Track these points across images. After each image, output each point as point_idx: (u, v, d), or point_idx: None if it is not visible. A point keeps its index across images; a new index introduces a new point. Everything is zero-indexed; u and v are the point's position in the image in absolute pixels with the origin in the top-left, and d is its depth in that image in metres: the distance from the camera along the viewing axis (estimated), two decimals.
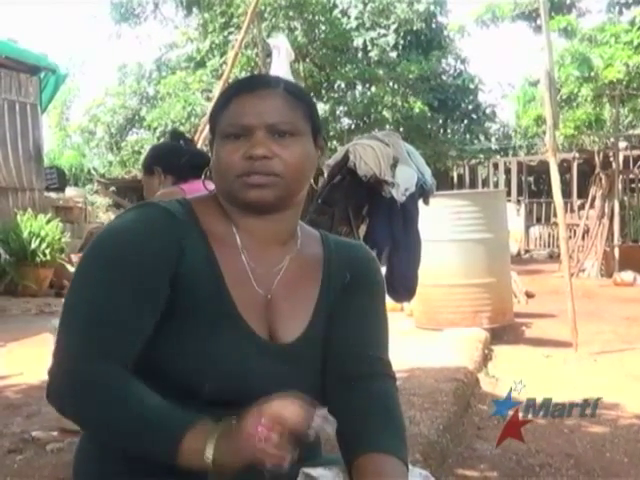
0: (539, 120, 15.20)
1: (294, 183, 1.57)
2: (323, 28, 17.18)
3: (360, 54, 18.11)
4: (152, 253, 1.50)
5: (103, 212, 16.67)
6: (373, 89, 18.00)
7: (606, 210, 14.03)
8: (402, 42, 18.52)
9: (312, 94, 17.95)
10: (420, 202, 4.40)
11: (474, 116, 20.29)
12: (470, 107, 20.16)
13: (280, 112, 1.56)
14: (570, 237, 12.96)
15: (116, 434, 1.43)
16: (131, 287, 1.48)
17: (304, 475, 1.47)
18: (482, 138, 21.38)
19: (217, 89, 9.99)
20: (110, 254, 1.50)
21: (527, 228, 19.91)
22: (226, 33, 17.19)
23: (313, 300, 1.65)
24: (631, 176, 16.24)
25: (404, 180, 4.12)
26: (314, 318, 1.64)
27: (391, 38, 17.86)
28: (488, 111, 20.94)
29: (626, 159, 16.17)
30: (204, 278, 1.53)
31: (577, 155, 18.53)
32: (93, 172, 22.38)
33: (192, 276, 1.51)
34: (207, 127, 8.01)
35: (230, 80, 9.69)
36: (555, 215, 14.92)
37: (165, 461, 1.37)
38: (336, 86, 18.71)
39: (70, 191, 15.84)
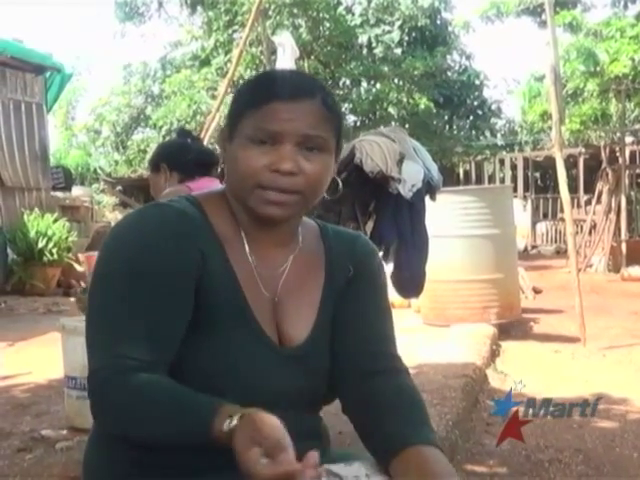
0: (545, 115, 15.17)
1: (311, 199, 1.54)
2: (327, 25, 17.18)
3: (365, 51, 18.12)
4: (180, 257, 1.47)
5: (110, 211, 16.70)
6: (378, 86, 18.00)
7: (613, 205, 14.00)
8: (407, 38, 18.53)
9: None
10: (427, 198, 4.39)
11: (479, 112, 20.29)
12: (475, 103, 20.16)
13: (315, 125, 1.49)
14: (577, 232, 12.93)
15: (151, 423, 1.41)
16: (165, 294, 1.46)
17: (326, 472, 1.47)
18: (488, 134, 21.36)
19: (222, 87, 9.99)
20: (138, 259, 1.46)
21: (534, 224, 19.89)
22: (230, 31, 17.21)
23: (317, 299, 1.63)
24: (638, 171, 16.21)
25: (411, 176, 4.12)
26: (319, 318, 1.62)
27: (396, 35, 17.86)
28: (494, 107, 20.95)
29: (632, 154, 16.16)
30: (222, 280, 1.51)
31: (583, 150, 18.50)
32: (99, 171, 22.42)
33: (212, 278, 1.49)
34: (213, 125, 7.96)
35: (235, 78, 9.69)
36: (562, 210, 14.91)
37: (199, 440, 1.35)
38: (341, 83, 18.72)
39: (76, 190, 15.86)
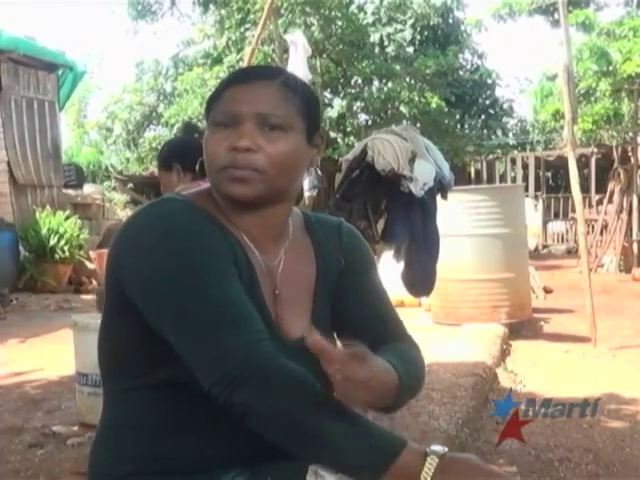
0: (557, 115, 15.10)
1: (278, 179, 1.53)
2: (340, 24, 17.15)
3: (377, 49, 18.06)
4: (223, 242, 1.50)
5: (121, 209, 16.73)
6: (390, 84, 17.95)
7: (625, 205, 13.95)
8: (419, 37, 18.48)
9: (329, 90, 17.95)
10: (438, 197, 4.39)
11: (491, 111, 20.23)
12: (487, 102, 20.11)
13: (272, 103, 1.52)
14: (588, 232, 12.89)
15: (317, 440, 1.36)
16: (232, 275, 1.47)
17: (313, 472, 1.48)
18: (499, 133, 21.29)
19: None
20: (198, 246, 1.45)
21: (545, 223, 19.83)
22: (243, 29, 17.18)
23: (311, 291, 1.65)
24: None
25: (422, 175, 4.12)
26: (315, 310, 1.64)
27: (408, 33, 17.81)
28: (505, 106, 20.87)
29: None
30: (243, 269, 1.52)
31: (595, 150, 18.43)
32: (111, 169, 22.47)
33: (238, 269, 1.51)
34: None
35: None
36: (573, 210, 14.87)
37: (366, 475, 1.33)
38: (353, 82, 18.68)
39: (88, 188, 15.91)
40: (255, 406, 1.36)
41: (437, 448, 1.34)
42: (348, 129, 17.26)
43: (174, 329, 1.42)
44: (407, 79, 17.75)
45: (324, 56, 17.22)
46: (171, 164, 3.53)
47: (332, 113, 16.90)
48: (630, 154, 14.41)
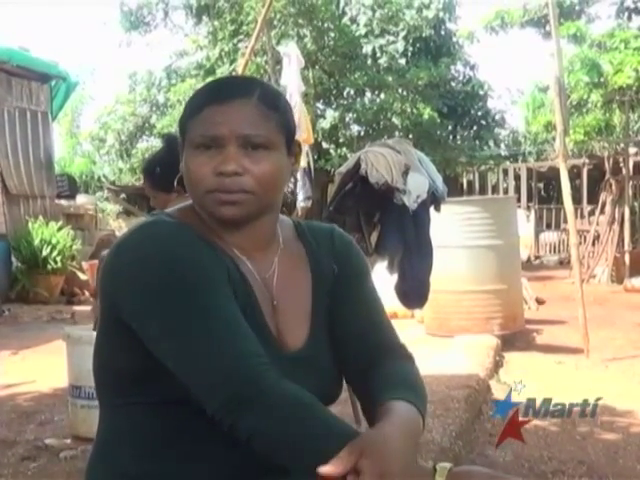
0: (549, 126, 15.15)
1: (265, 197, 1.54)
2: (332, 35, 17.21)
3: (369, 61, 18.12)
4: (218, 264, 1.50)
5: (113, 219, 16.74)
6: (382, 96, 18.01)
7: (616, 216, 13.99)
8: (411, 49, 18.54)
9: (322, 101, 17.97)
10: (431, 209, 4.40)
11: (483, 122, 20.29)
12: (479, 113, 20.16)
13: (253, 124, 1.50)
14: (580, 243, 12.91)
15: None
16: (230, 298, 1.47)
17: None
18: (492, 144, 21.34)
19: None
20: (197, 268, 1.45)
21: (537, 234, 19.84)
22: (236, 41, 17.23)
23: (309, 301, 1.64)
24: None
25: (416, 187, 4.13)
26: (314, 320, 1.63)
27: (400, 45, 17.88)
28: (497, 117, 20.94)
29: (636, 165, 16.10)
30: (238, 285, 1.52)
31: (587, 161, 18.47)
32: (103, 179, 22.47)
33: (233, 286, 1.50)
34: None
35: None
36: (565, 221, 14.91)
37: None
38: (345, 93, 18.73)
39: (81, 198, 15.92)
40: (260, 431, 1.36)
41: (444, 464, 1.34)
42: (340, 140, 17.29)
43: (171, 353, 1.41)
44: (399, 90, 17.81)
45: (317, 67, 17.27)
46: (173, 186, 3.45)
47: (325, 124, 16.93)
48: (622, 165, 14.45)
